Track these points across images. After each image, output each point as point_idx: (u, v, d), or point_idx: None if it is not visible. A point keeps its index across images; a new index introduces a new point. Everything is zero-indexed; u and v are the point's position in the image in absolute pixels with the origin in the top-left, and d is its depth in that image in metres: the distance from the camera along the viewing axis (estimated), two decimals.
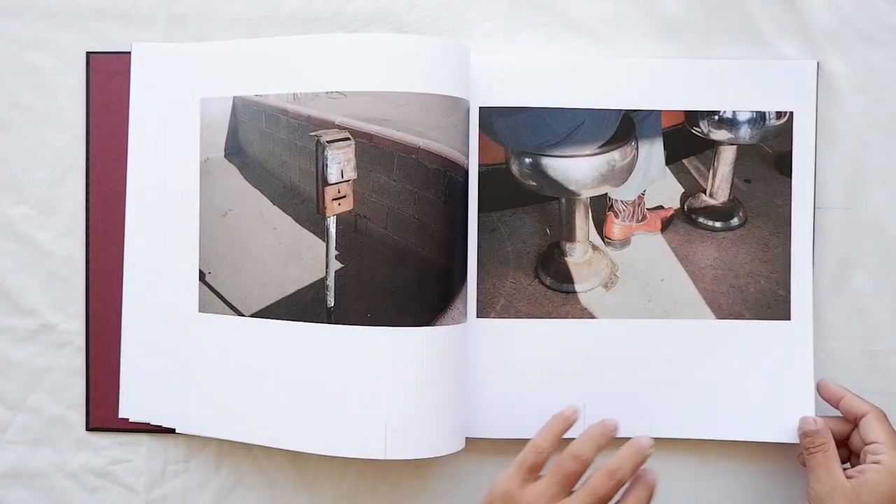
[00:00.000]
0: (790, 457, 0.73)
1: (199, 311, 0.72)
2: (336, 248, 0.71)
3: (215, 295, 0.72)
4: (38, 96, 0.75)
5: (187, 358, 0.73)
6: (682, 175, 0.74)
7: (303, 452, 0.71)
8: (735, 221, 0.74)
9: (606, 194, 0.74)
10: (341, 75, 0.69)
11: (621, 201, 0.74)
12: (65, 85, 0.74)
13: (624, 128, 0.73)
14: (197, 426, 0.73)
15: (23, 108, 0.74)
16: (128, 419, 0.74)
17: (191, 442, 0.74)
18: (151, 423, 0.73)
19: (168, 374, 0.73)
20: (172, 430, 0.73)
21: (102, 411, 0.74)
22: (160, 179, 0.73)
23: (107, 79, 0.74)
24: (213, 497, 0.74)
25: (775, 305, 0.73)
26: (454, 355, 0.70)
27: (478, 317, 0.73)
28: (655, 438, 0.73)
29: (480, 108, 0.72)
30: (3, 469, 0.75)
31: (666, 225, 0.74)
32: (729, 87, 0.73)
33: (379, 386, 0.69)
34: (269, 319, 0.71)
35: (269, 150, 0.72)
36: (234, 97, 0.72)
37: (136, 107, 0.74)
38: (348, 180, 0.70)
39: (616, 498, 0.65)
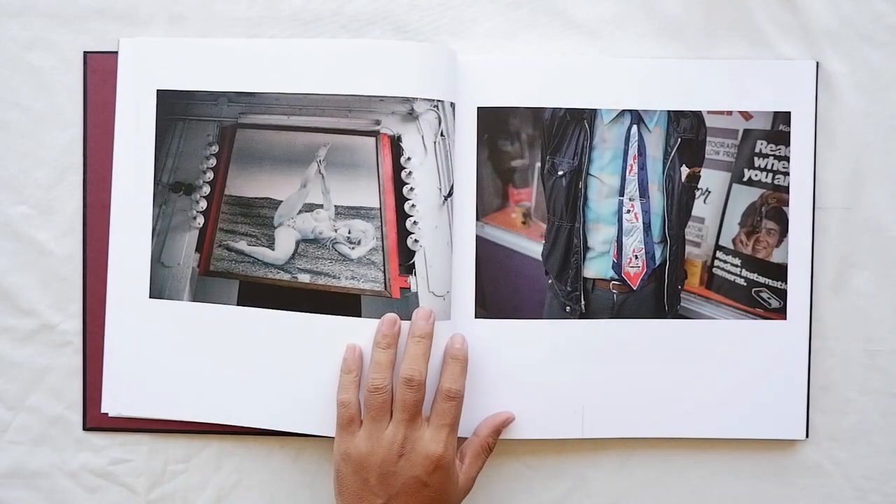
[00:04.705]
0: (790, 454, 0.74)
1: (149, 296, 0.73)
2: None
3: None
4: (37, 96, 0.74)
5: (142, 344, 0.73)
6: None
7: (303, 452, 0.72)
8: None
9: None
10: (330, 78, 0.70)
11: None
12: (64, 85, 0.74)
13: None
14: (162, 410, 0.73)
15: (22, 108, 0.74)
16: (107, 414, 0.74)
17: (191, 442, 0.74)
18: (123, 415, 0.73)
19: (129, 363, 0.73)
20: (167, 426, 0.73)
21: (99, 411, 0.74)
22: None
23: (104, 78, 0.74)
24: (213, 497, 0.74)
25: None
26: None
27: (477, 317, 0.73)
28: (655, 438, 0.73)
29: (479, 108, 0.72)
30: (3, 469, 0.75)
31: None
32: (727, 88, 0.73)
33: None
34: (217, 304, 0.72)
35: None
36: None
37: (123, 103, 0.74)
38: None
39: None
